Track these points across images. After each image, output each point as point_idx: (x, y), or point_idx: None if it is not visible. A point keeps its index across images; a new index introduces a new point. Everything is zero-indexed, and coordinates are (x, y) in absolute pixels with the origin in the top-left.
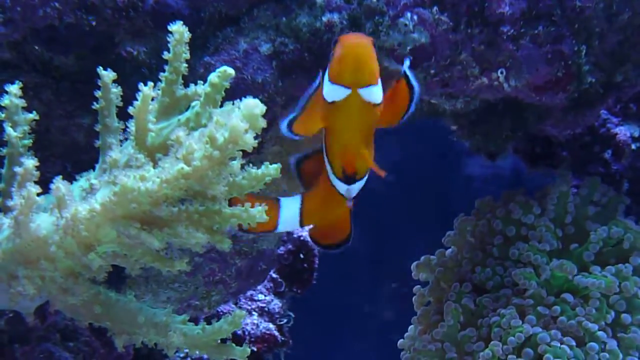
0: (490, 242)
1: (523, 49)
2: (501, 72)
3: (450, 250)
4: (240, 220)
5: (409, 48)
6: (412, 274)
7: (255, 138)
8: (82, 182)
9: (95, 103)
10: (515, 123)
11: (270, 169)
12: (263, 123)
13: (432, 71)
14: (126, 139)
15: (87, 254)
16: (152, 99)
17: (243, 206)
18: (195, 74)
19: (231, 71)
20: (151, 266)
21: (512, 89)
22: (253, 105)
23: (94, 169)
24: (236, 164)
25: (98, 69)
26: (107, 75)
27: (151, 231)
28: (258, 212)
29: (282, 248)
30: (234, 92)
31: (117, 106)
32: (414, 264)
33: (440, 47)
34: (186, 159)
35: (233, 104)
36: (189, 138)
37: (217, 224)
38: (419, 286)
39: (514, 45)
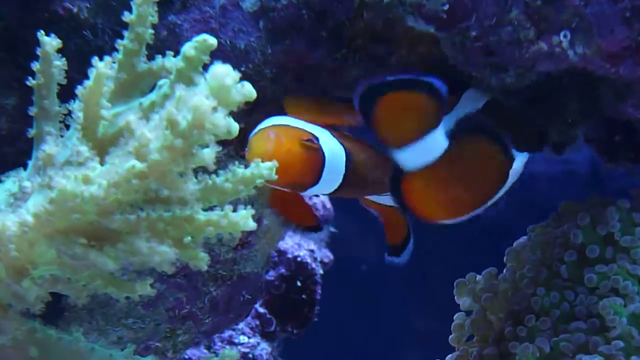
0: (559, 257)
1: (593, 4)
2: (564, 36)
3: (505, 269)
4: (219, 229)
5: (442, 3)
6: (455, 297)
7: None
8: (9, 184)
9: (28, 78)
10: (586, 103)
11: (262, 169)
12: (238, 96)
13: (473, 34)
14: (67, 127)
15: (20, 281)
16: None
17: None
18: (156, 38)
19: (212, 41)
20: (104, 292)
21: (579, 57)
22: (223, 74)
23: (23, 166)
24: (208, 152)
25: (38, 34)
26: (50, 42)
27: (102, 248)
28: (242, 217)
29: (271, 272)
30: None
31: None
32: (456, 282)
33: (483, 2)
34: (139, 152)
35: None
36: (142, 124)
37: (188, 235)
38: (461, 313)
39: (582, 0)
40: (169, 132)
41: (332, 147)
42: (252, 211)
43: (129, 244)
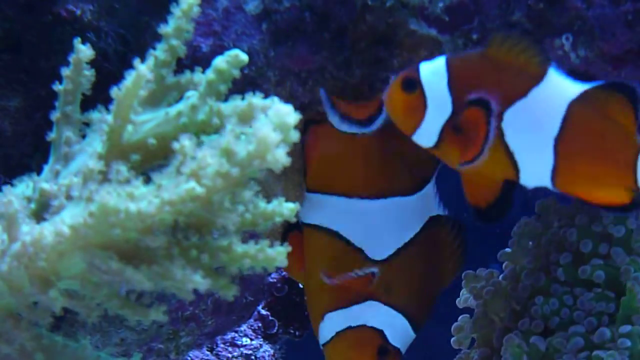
0: (555, 260)
1: (595, 7)
2: (567, 39)
3: (508, 268)
4: (255, 262)
5: (443, 5)
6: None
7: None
8: (22, 187)
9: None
10: None
11: (284, 209)
12: (295, 136)
13: (475, 36)
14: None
15: (45, 291)
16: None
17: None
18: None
19: (244, 57)
20: (117, 313)
21: (581, 60)
22: (285, 113)
23: (27, 166)
24: (249, 194)
25: (75, 41)
26: (84, 51)
27: (137, 267)
28: (278, 254)
29: (274, 275)
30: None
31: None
32: (464, 274)
33: (485, 5)
34: (196, 175)
35: (243, 98)
36: (201, 149)
37: (220, 264)
38: (464, 316)
39: (584, 3)
40: (226, 160)
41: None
42: (289, 248)
43: (164, 267)
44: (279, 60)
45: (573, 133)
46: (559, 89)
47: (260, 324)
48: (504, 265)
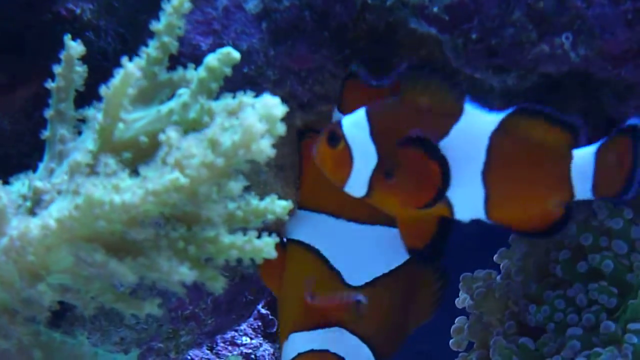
0: (554, 258)
1: (595, 6)
2: (567, 37)
3: (506, 265)
4: (242, 253)
5: (443, 4)
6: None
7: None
8: (18, 185)
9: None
10: (587, 105)
11: (276, 206)
12: (282, 129)
13: (474, 35)
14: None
15: (34, 285)
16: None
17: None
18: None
19: (236, 54)
20: (111, 307)
21: (581, 59)
22: (272, 105)
23: (27, 166)
24: (237, 186)
25: (65, 38)
26: (75, 47)
27: (122, 260)
28: (266, 245)
29: None
30: None
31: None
32: (462, 276)
33: (485, 4)
34: (180, 165)
35: (234, 97)
36: (186, 140)
37: (208, 256)
38: (462, 317)
39: (584, 2)
40: (211, 151)
41: None
42: (277, 239)
43: (150, 259)
44: (278, 59)
45: (499, 162)
46: (478, 122)
47: (260, 323)
48: (501, 266)
